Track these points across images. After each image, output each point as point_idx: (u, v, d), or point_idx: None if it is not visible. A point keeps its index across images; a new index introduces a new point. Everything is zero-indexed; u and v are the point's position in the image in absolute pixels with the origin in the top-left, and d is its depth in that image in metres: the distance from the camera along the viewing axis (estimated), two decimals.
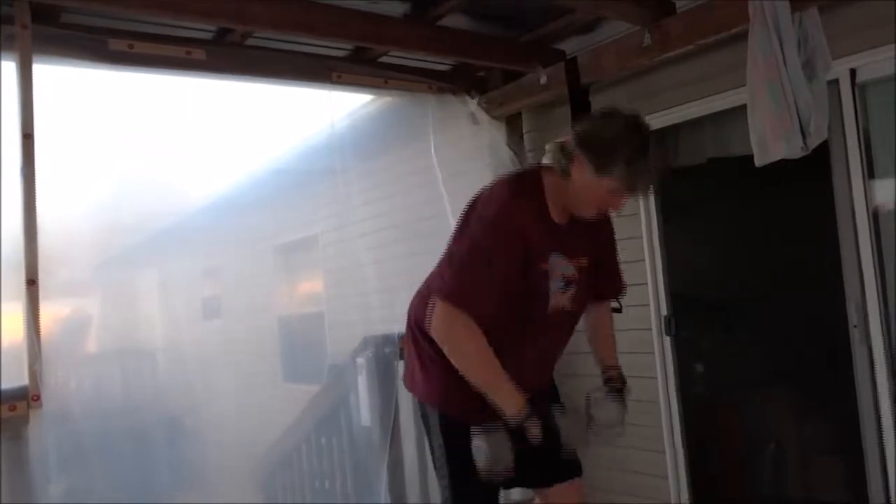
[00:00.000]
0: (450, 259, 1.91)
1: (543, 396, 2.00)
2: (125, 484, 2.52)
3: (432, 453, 2.07)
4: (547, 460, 2.03)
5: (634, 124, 1.83)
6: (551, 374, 2.17)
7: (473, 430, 1.78)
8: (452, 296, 1.81)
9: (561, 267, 1.91)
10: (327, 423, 3.25)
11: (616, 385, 2.03)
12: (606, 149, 1.78)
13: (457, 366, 1.84)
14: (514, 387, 1.79)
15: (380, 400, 2.97)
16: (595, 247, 2.04)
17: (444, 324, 1.82)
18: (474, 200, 1.94)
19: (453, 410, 1.94)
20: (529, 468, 2.04)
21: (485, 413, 1.81)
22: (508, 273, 1.82)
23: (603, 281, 2.10)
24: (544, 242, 1.87)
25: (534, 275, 1.86)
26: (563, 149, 1.88)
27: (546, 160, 1.97)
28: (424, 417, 2.08)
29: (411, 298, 2.10)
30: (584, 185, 1.84)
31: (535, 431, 1.75)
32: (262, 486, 3.40)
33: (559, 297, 1.92)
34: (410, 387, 2.12)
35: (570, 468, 2.10)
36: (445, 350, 1.85)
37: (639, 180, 1.81)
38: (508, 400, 1.77)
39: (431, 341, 1.91)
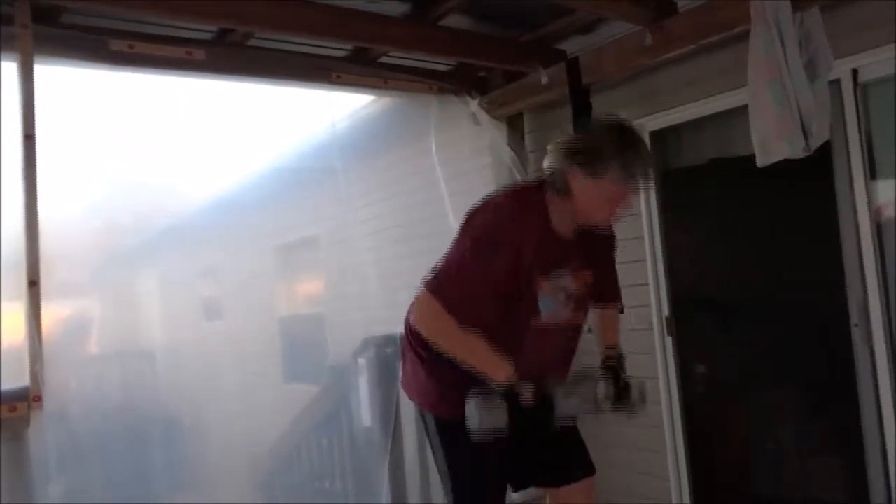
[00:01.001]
0: (444, 260, 1.92)
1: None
2: (125, 484, 2.52)
3: (434, 457, 2.07)
4: (559, 460, 2.05)
5: (614, 122, 1.92)
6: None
7: (467, 396, 1.79)
8: (437, 289, 1.83)
9: (563, 283, 1.94)
10: (328, 424, 3.25)
11: (611, 364, 2.05)
12: (595, 151, 1.82)
13: (442, 347, 1.86)
14: (502, 355, 1.80)
15: (381, 400, 2.97)
16: (598, 260, 2.07)
17: (426, 312, 1.86)
18: (475, 209, 1.95)
19: (449, 410, 1.93)
20: (541, 467, 2.04)
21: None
22: (498, 273, 1.84)
23: (601, 290, 2.12)
24: (545, 256, 1.89)
25: (531, 284, 1.88)
26: (553, 172, 1.90)
27: (546, 162, 1.97)
28: (423, 421, 2.09)
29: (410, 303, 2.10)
30: (588, 195, 1.85)
31: (527, 394, 1.78)
32: (262, 486, 3.40)
33: (560, 310, 1.95)
34: (407, 390, 2.12)
35: (582, 468, 2.09)
36: (428, 335, 1.88)
37: (635, 168, 1.84)
38: (496, 367, 1.79)
39: (424, 343, 1.92)
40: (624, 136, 1.86)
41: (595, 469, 2.13)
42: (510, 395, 1.78)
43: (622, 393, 1.99)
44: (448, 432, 1.96)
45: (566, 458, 2.08)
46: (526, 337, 1.92)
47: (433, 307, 1.83)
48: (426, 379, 1.99)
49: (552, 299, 1.92)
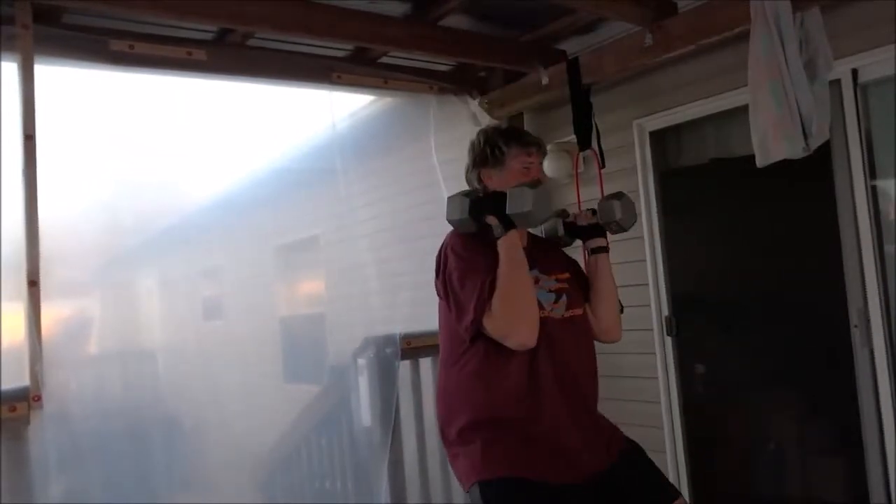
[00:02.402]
0: (453, 304, 1.91)
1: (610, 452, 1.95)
2: (125, 484, 2.52)
3: None
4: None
5: (487, 127, 2.22)
6: (595, 410, 2.05)
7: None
8: (481, 311, 1.82)
9: (543, 281, 1.98)
10: (328, 424, 3.25)
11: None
12: (482, 148, 2.06)
13: (512, 297, 1.82)
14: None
15: (381, 401, 2.97)
16: (567, 264, 2.14)
17: (500, 324, 1.82)
18: (438, 267, 1.99)
19: (501, 467, 1.83)
20: None
21: (532, 458, 1.81)
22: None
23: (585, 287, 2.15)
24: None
25: None
26: (469, 191, 2.03)
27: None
28: None
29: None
30: (505, 182, 2.00)
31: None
32: (262, 486, 3.39)
33: (553, 307, 1.96)
34: (464, 480, 1.93)
35: (668, 494, 1.98)
36: (508, 317, 1.82)
37: (520, 136, 2.08)
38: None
39: (455, 424, 1.92)
40: (494, 126, 2.23)
41: (678, 490, 2.02)
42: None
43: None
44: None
45: (652, 492, 1.96)
46: (536, 349, 1.88)
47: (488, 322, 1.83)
48: (465, 450, 1.90)
49: (542, 292, 1.95)
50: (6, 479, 2.07)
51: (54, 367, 2.24)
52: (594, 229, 2.18)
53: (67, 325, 2.49)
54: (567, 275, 2.07)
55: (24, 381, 2.18)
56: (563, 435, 1.87)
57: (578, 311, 2.03)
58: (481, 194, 2.01)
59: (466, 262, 1.90)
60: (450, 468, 2.03)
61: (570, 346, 1.96)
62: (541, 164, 2.10)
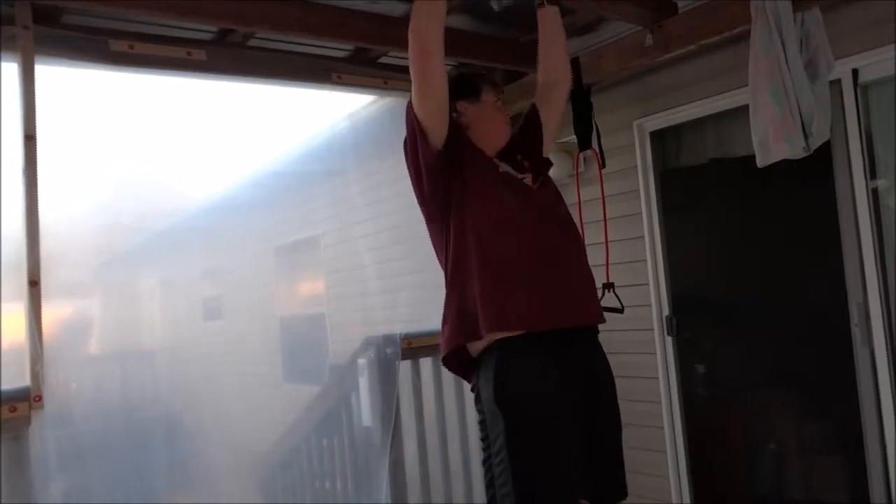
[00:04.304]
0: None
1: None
2: (125, 484, 2.51)
3: (488, 446, 1.93)
4: (602, 476, 2.01)
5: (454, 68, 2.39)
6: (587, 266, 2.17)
7: None
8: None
9: (507, 169, 2.15)
10: (328, 424, 3.25)
11: None
12: (463, 84, 2.19)
13: (425, 28, 1.93)
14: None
15: (381, 401, 2.97)
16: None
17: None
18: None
19: (515, 320, 1.91)
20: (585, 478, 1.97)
21: (548, 307, 1.93)
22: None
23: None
24: (490, 168, 2.11)
25: (495, 176, 2.09)
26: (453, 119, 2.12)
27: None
28: (478, 395, 1.99)
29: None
30: (479, 118, 2.17)
31: None
32: (262, 486, 3.40)
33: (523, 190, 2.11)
34: (453, 343, 2.01)
35: (617, 490, 2.05)
36: (415, 37, 1.93)
37: (490, 78, 2.31)
38: None
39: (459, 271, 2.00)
40: (462, 70, 2.46)
41: (627, 493, 2.06)
42: None
43: None
44: (508, 403, 1.87)
45: (609, 476, 2.03)
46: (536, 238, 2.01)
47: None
48: (472, 307, 1.96)
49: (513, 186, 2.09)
50: (6, 479, 2.07)
51: (55, 367, 2.23)
52: None
53: (68, 325, 2.49)
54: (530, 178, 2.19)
55: (25, 381, 2.18)
56: (574, 281, 2.04)
57: (552, 196, 2.18)
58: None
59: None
60: (450, 467, 2.03)
61: (549, 209, 2.14)
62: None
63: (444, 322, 2.03)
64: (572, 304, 2.00)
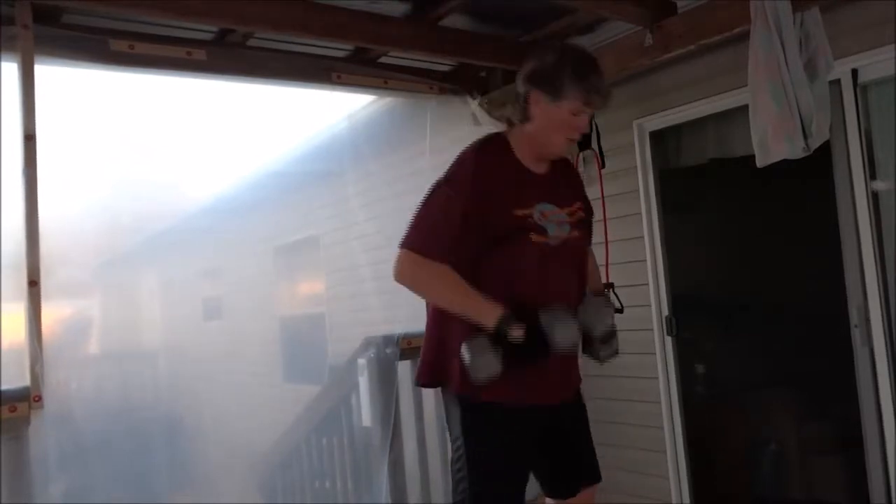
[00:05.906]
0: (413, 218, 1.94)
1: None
2: (125, 484, 2.52)
3: (453, 449, 1.98)
4: (569, 469, 2.05)
5: (571, 47, 2.07)
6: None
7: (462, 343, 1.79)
8: (412, 244, 1.86)
9: (552, 215, 1.93)
10: (328, 424, 3.25)
11: (600, 294, 2.11)
12: (554, 73, 1.90)
13: (433, 300, 1.92)
14: (490, 300, 1.80)
15: (381, 401, 2.97)
16: (573, 194, 2.07)
17: (408, 269, 1.87)
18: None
19: (487, 396, 1.85)
20: (556, 480, 2.04)
21: (520, 389, 1.84)
22: (468, 215, 1.85)
23: None
24: (521, 190, 1.92)
25: (510, 219, 1.87)
26: (517, 96, 1.96)
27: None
28: (447, 409, 2.00)
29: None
30: (546, 118, 1.92)
31: (517, 332, 1.76)
32: (262, 486, 3.40)
33: (556, 232, 1.92)
34: (426, 378, 2.02)
35: (591, 475, 2.08)
36: (419, 292, 1.91)
37: (592, 92, 1.91)
38: (485, 311, 1.79)
39: (440, 320, 1.93)
40: (583, 61, 1.95)
41: (600, 476, 2.10)
42: (502, 339, 1.76)
43: (609, 336, 2.02)
44: (471, 420, 1.90)
45: (576, 466, 2.05)
46: (539, 274, 1.89)
47: (415, 264, 1.86)
48: (448, 357, 1.92)
49: (550, 223, 1.91)
50: (6, 479, 2.07)
51: (55, 367, 2.23)
52: None
53: (68, 325, 2.49)
54: (580, 208, 2.04)
55: (25, 381, 2.18)
56: (561, 360, 1.88)
57: (582, 241, 2.03)
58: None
59: (446, 191, 1.91)
60: (450, 467, 2.04)
61: (569, 270, 1.98)
62: (592, 116, 2.03)
63: (423, 357, 2.03)
64: (551, 387, 1.93)
